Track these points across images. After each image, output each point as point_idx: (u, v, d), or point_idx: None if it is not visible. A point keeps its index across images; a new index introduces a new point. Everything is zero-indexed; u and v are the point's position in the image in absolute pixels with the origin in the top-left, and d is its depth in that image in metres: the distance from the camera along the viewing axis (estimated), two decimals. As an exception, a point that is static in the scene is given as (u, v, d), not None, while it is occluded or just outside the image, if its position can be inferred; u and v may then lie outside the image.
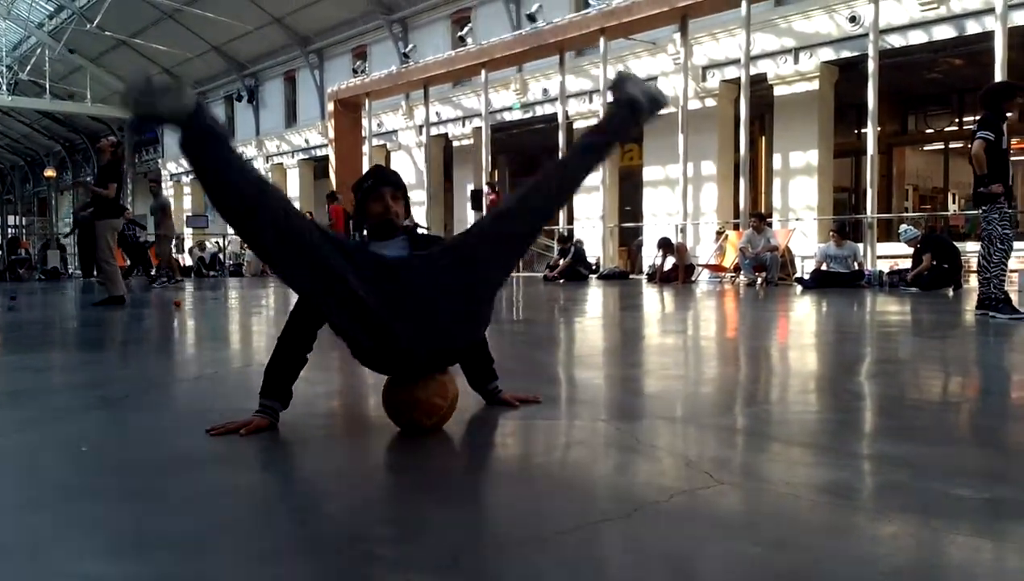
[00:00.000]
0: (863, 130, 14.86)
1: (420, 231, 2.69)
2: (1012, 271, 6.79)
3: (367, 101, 22.28)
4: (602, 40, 16.12)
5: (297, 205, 27.25)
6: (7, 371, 3.96)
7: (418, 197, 20.29)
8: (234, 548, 1.50)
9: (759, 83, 15.32)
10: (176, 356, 4.94)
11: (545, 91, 19.81)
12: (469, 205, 19.66)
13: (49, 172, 39.82)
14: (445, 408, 2.37)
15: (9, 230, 44.44)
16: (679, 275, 13.48)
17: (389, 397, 2.41)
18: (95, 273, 14.69)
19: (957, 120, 17.29)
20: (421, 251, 2.47)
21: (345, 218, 16.75)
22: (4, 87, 30.88)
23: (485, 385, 2.76)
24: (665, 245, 13.97)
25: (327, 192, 18.19)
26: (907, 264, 11.12)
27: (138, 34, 28.53)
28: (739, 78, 14.26)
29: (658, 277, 13.74)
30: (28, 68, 30.73)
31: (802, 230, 14.63)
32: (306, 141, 27.57)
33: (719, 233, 15.08)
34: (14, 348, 5.12)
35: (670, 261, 13.89)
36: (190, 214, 31.23)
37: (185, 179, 33.99)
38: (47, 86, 30.41)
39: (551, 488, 1.90)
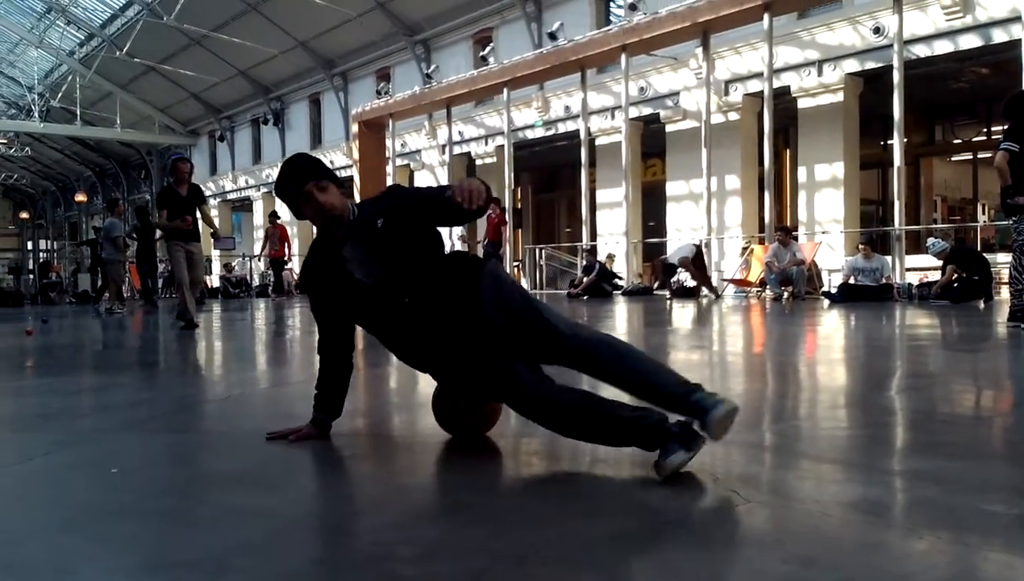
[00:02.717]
0: (889, 141, 14.72)
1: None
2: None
3: (391, 122, 22.48)
4: (623, 56, 16.15)
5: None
6: (38, 394, 4.02)
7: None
8: (259, 568, 1.51)
9: (782, 96, 15.26)
10: (203, 377, 4.98)
11: (567, 108, 19.86)
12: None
13: (80, 197, 40.55)
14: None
15: (41, 254, 45.40)
16: (700, 282, 13.48)
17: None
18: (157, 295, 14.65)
19: (985, 130, 17.06)
20: (361, 237, 2.43)
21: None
22: (36, 114, 31.53)
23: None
24: (667, 271, 13.95)
25: (271, 211, 18.66)
26: (937, 276, 10.97)
27: (166, 60, 29.08)
28: (762, 91, 14.21)
29: (671, 293, 13.79)
30: (59, 95, 31.38)
31: (828, 243, 14.50)
32: (331, 162, 27.80)
33: (744, 249, 14.99)
34: (45, 371, 5.19)
35: (686, 276, 13.90)
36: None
37: (212, 201, 34.43)
38: (78, 112, 31.02)
39: (575, 506, 1.89)
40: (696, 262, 13.81)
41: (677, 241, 16.54)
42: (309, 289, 2.60)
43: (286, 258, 18.57)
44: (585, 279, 15.00)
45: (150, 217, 14.04)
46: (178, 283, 8.29)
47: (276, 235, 17.67)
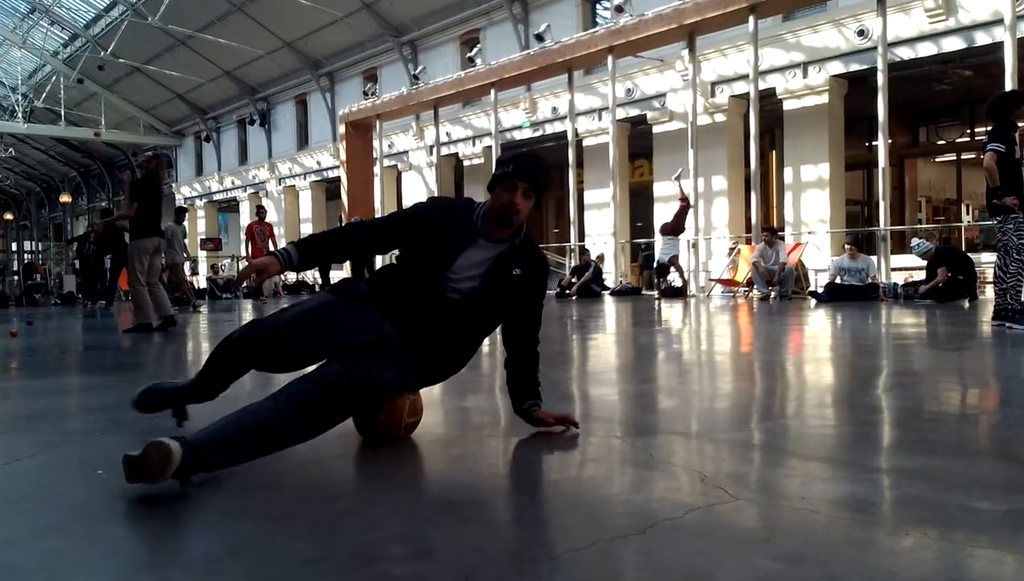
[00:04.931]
0: (874, 142, 14.83)
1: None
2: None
3: (378, 122, 22.45)
4: (610, 58, 16.20)
5: (308, 227, 27.45)
6: (24, 395, 3.99)
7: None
8: (249, 569, 1.50)
9: (768, 97, 15.34)
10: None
11: (554, 109, 19.90)
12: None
13: (65, 198, 40.28)
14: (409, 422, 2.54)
15: (25, 256, 45.01)
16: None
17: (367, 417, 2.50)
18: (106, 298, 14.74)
19: (969, 131, 17.23)
20: (496, 274, 2.47)
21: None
22: (20, 115, 31.29)
23: (522, 403, 2.59)
24: (660, 271, 13.98)
25: (257, 205, 17.92)
26: (922, 276, 11.05)
27: (152, 61, 28.93)
28: (748, 93, 14.29)
29: (659, 293, 13.86)
30: (43, 96, 31.15)
31: (815, 243, 14.58)
32: (318, 163, 27.77)
33: (732, 249, 15.05)
34: (31, 372, 5.15)
35: (675, 276, 13.93)
36: (203, 237, 31.50)
37: (198, 202, 34.30)
38: (62, 113, 30.80)
39: (565, 505, 1.89)
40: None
41: (661, 241, 16.60)
42: (415, 216, 2.55)
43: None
44: (575, 280, 15.02)
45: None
46: (147, 283, 7.82)
47: (265, 232, 16.76)
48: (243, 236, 18.45)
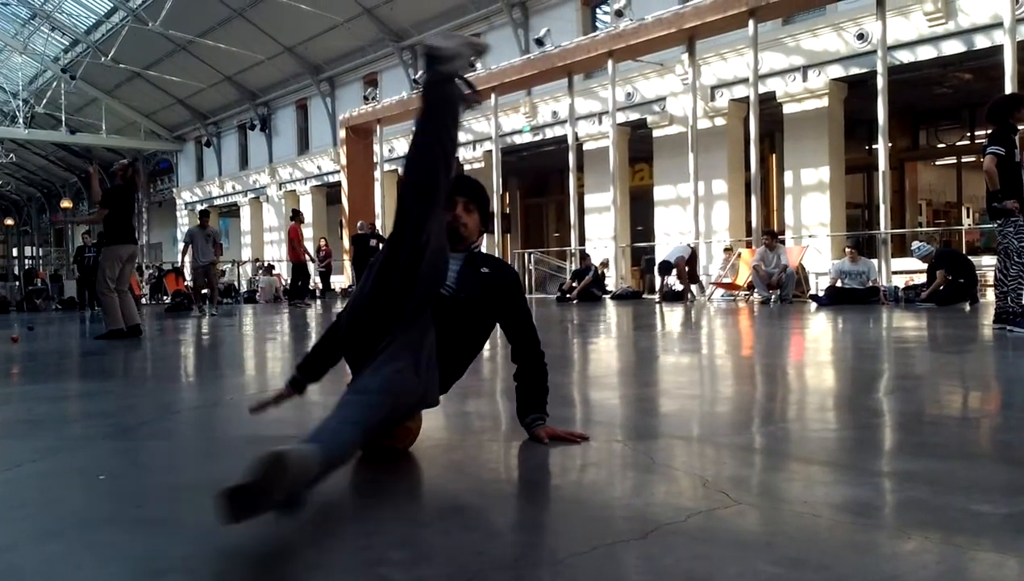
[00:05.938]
0: (874, 146, 14.83)
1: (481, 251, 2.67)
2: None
3: (378, 127, 22.46)
4: (610, 62, 16.22)
5: (309, 231, 27.39)
6: (24, 400, 3.99)
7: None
8: (252, 574, 1.50)
9: (768, 101, 15.35)
10: (193, 383, 4.95)
11: (554, 113, 19.92)
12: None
13: (65, 203, 40.27)
14: (413, 431, 2.49)
15: (26, 261, 45.03)
16: (686, 284, 13.58)
17: None
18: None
19: (969, 134, 17.24)
20: (468, 276, 2.50)
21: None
22: (21, 120, 31.31)
23: (525, 416, 2.57)
24: (663, 270, 14.00)
25: (292, 208, 17.70)
26: (922, 279, 11.04)
27: (152, 66, 28.95)
28: (748, 97, 14.30)
29: (660, 296, 13.88)
30: (44, 101, 31.18)
31: (815, 247, 14.58)
32: (318, 168, 27.79)
33: (727, 250, 15.03)
34: (32, 378, 5.15)
35: (674, 280, 13.94)
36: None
37: (199, 207, 34.31)
38: (63, 118, 30.82)
39: (566, 509, 1.89)
40: (689, 263, 13.88)
41: (665, 245, 16.61)
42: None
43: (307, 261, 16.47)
44: (575, 284, 15.03)
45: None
46: (116, 290, 7.78)
47: (300, 234, 16.20)
48: (269, 238, 18.22)
